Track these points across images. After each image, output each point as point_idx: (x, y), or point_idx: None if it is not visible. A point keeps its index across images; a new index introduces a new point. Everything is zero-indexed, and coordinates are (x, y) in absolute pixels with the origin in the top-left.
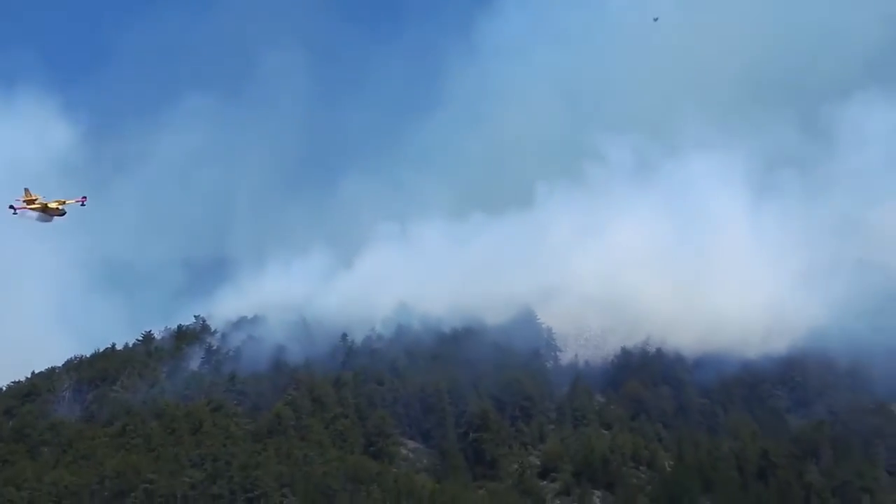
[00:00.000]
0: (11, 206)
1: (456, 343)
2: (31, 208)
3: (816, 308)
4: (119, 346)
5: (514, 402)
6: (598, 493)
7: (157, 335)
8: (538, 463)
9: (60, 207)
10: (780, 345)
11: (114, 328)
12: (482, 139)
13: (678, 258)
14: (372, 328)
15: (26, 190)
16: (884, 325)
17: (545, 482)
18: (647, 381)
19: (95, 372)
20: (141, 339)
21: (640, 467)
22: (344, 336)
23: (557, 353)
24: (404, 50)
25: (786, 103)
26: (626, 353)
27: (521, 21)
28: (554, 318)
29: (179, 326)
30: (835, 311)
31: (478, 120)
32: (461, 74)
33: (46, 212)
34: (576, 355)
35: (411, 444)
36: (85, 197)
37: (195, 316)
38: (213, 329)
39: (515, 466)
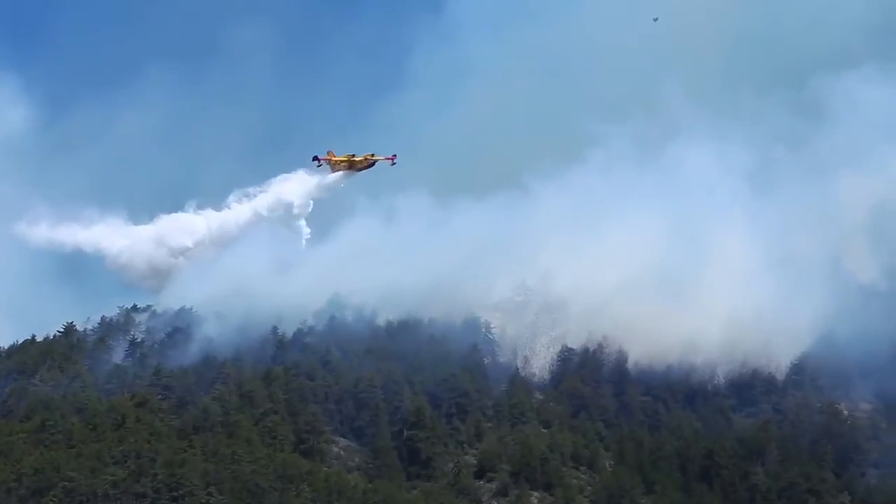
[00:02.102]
0: (315, 158)
1: (391, 337)
2: (335, 161)
3: (801, 318)
4: (39, 338)
5: (450, 399)
6: (536, 493)
7: (80, 327)
8: (474, 462)
9: (369, 159)
10: (751, 352)
11: (61, 317)
12: (456, 120)
13: (661, 257)
14: (303, 321)
15: (330, 152)
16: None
17: (481, 482)
18: (587, 378)
19: (13, 364)
20: (62, 330)
21: (580, 467)
22: (274, 329)
23: (496, 349)
24: (378, 25)
25: (780, 84)
26: (566, 350)
27: None
28: (499, 313)
29: (103, 318)
30: (819, 318)
31: (451, 100)
32: (434, 52)
33: (353, 166)
34: (515, 351)
35: (343, 441)
36: (395, 155)
37: (119, 307)
38: (137, 321)
39: (451, 466)
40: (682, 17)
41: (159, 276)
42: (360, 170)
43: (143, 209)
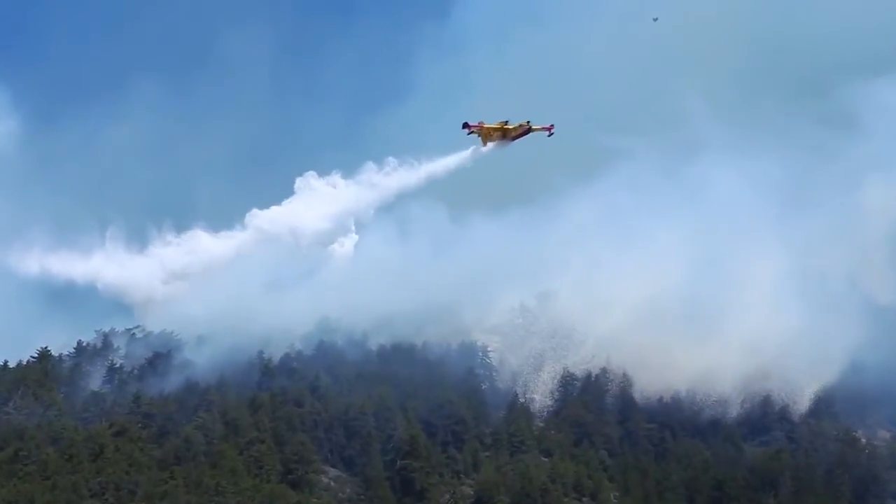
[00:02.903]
0: (466, 125)
1: (383, 361)
2: (487, 129)
3: (828, 347)
4: (12, 364)
5: (445, 427)
6: None
7: (55, 352)
8: (471, 493)
9: (524, 126)
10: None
11: (39, 342)
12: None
13: (681, 280)
14: (291, 344)
15: (480, 122)
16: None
17: None
18: (590, 405)
19: None
20: (36, 355)
21: (583, 498)
22: (260, 353)
23: (494, 374)
24: (379, 32)
25: (807, 92)
26: (568, 376)
27: (503, 3)
28: (497, 336)
29: (79, 342)
30: (847, 346)
31: (457, 111)
32: (439, 60)
33: (506, 135)
34: (514, 376)
35: (333, 471)
36: (553, 125)
37: (96, 330)
38: (115, 345)
39: (447, 497)
40: (699, 23)
41: (156, 302)
42: (515, 139)
43: (138, 231)
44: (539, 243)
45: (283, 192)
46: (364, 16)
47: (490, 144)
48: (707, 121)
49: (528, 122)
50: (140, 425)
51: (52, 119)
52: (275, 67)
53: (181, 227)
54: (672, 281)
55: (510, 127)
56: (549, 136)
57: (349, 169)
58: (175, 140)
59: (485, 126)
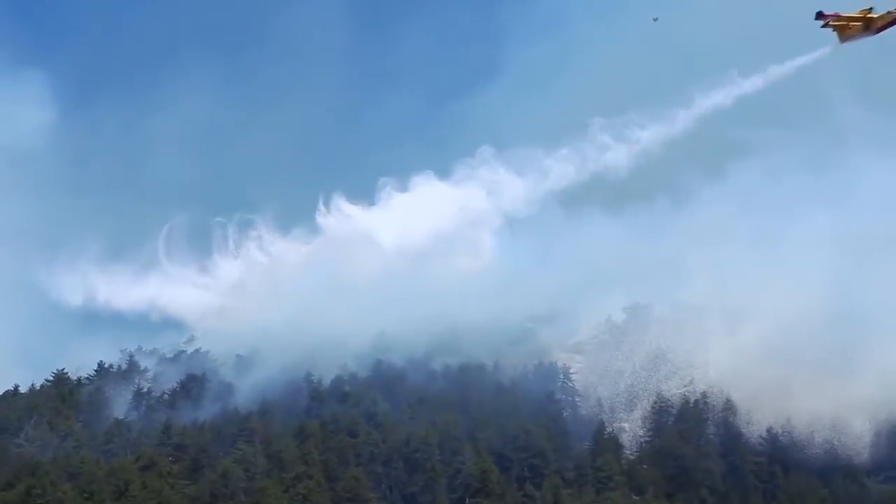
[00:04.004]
0: (820, 15)
1: (449, 384)
2: (847, 17)
3: None
4: (24, 389)
5: (521, 460)
6: None
7: (73, 374)
8: None
9: (894, 13)
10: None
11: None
12: (550, 116)
13: (818, 298)
14: (343, 365)
15: (836, 12)
16: None
17: None
18: (688, 435)
19: None
20: (52, 379)
21: None
22: (308, 375)
23: (577, 400)
24: (464, 8)
25: None
26: (663, 402)
27: None
28: (580, 356)
29: (101, 363)
30: None
31: (552, 95)
32: (526, 41)
33: (870, 27)
34: (600, 402)
35: None
36: None
37: (121, 350)
38: (142, 366)
39: None
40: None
41: (209, 316)
42: (879, 30)
43: (191, 235)
44: (654, 247)
45: (358, 190)
46: None
47: (849, 40)
48: (854, 108)
49: None
50: (171, 458)
51: (92, 106)
52: (344, 48)
53: (239, 230)
54: (807, 298)
55: (875, 16)
56: None
57: (440, 166)
58: (231, 130)
59: (842, 16)
